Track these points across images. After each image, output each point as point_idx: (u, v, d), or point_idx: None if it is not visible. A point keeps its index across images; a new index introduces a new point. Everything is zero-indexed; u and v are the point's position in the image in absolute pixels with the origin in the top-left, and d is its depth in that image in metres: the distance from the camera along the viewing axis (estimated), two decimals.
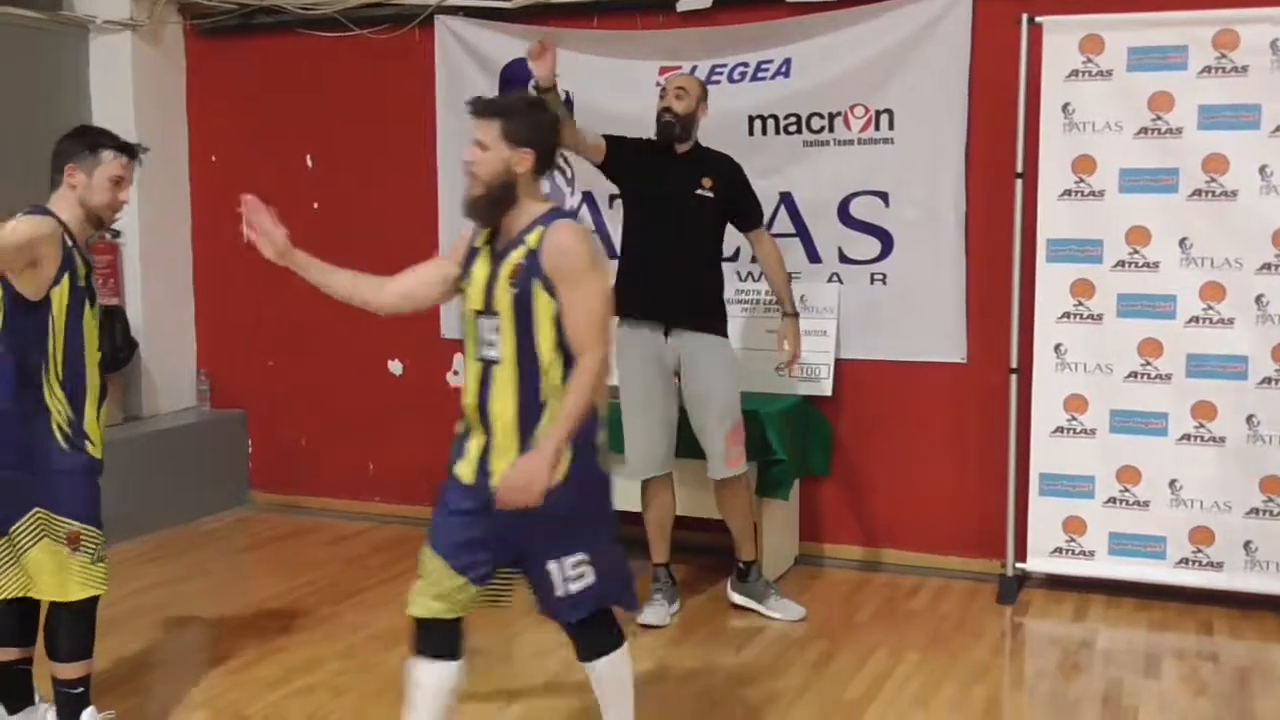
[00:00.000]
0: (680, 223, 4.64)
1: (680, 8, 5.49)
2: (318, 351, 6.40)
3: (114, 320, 5.91)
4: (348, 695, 4.00)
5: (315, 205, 6.26)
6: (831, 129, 5.31)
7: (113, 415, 5.96)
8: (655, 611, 4.67)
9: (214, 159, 6.49)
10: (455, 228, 5.90)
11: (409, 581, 2.85)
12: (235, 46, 6.35)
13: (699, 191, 4.64)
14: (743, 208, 4.78)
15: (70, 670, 3.45)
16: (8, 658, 3.54)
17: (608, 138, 4.64)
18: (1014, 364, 4.99)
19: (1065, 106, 4.82)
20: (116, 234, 6.18)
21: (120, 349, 5.94)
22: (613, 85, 5.61)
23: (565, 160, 5.77)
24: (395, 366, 6.27)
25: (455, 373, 6.12)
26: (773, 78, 5.38)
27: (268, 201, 2.99)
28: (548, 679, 4.13)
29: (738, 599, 4.84)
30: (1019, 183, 4.92)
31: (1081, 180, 4.77)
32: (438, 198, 6.03)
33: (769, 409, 5.04)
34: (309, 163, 6.30)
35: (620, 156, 4.65)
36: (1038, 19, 4.81)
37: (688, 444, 4.74)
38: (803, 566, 5.44)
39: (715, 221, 4.72)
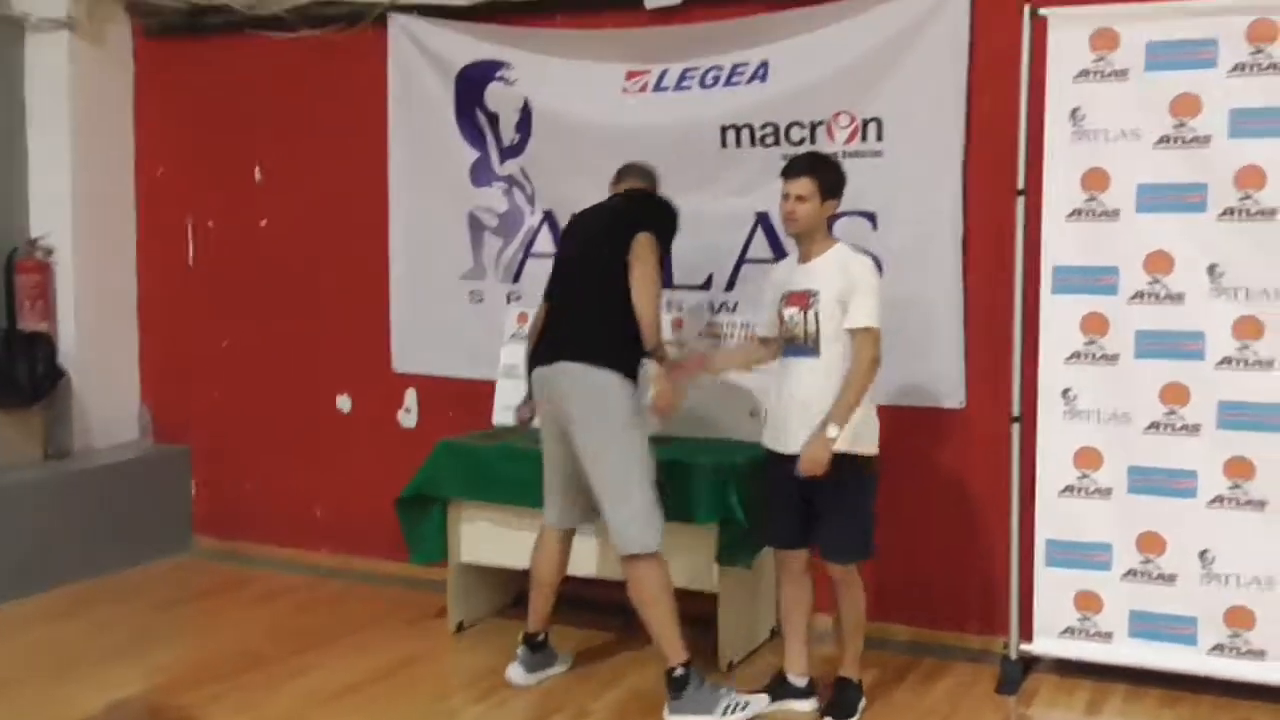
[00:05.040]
0: None
1: (649, 5, 4.94)
2: (264, 384, 5.89)
3: (34, 348, 5.47)
4: None
5: (263, 222, 5.79)
6: (813, 140, 4.72)
7: (27, 454, 5.54)
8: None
9: (161, 172, 6.02)
10: (407, 241, 5.47)
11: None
12: (184, 49, 5.89)
13: None
14: None
15: None
16: None
17: None
18: (1016, 411, 4.34)
19: (1074, 112, 4.22)
20: (48, 251, 5.73)
21: (41, 379, 5.47)
22: (575, 90, 5.09)
23: (525, 176, 5.25)
24: (343, 402, 5.72)
25: (407, 410, 5.57)
26: (748, 82, 4.82)
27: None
28: None
29: None
30: (1021, 201, 4.29)
31: (1093, 198, 4.18)
32: (388, 208, 5.52)
33: (729, 460, 4.38)
34: (257, 176, 5.81)
35: None
36: (1042, 11, 4.22)
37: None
38: (780, 641, 4.78)
39: None
